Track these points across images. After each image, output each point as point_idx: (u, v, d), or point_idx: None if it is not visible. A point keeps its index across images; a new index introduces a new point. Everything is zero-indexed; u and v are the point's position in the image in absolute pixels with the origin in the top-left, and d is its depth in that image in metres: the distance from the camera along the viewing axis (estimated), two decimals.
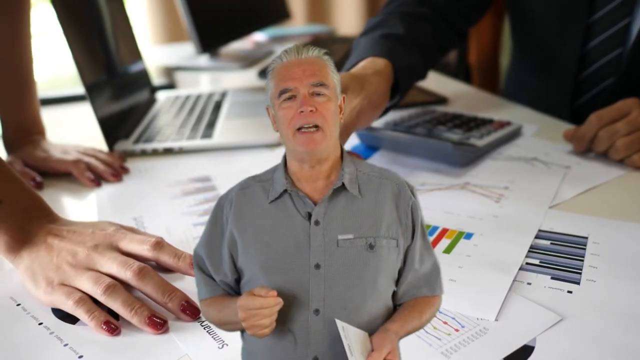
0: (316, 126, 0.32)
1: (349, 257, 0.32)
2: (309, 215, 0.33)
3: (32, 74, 0.89)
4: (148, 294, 0.52)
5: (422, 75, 0.93)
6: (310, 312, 0.32)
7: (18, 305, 0.53)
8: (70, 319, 0.51)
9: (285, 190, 0.33)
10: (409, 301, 0.35)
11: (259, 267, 0.33)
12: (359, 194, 0.33)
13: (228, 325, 0.34)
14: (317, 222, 0.33)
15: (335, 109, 0.33)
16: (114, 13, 1.10)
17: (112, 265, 0.53)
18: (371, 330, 0.33)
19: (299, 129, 0.32)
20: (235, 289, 0.35)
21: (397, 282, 0.35)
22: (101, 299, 0.50)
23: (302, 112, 0.32)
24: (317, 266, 0.32)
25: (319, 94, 0.32)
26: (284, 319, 0.32)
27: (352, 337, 0.31)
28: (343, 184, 0.33)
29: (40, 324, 0.50)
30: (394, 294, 0.35)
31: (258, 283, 0.32)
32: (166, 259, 0.55)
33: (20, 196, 0.59)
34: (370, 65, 0.78)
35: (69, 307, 0.51)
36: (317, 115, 0.32)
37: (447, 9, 1.00)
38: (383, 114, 0.82)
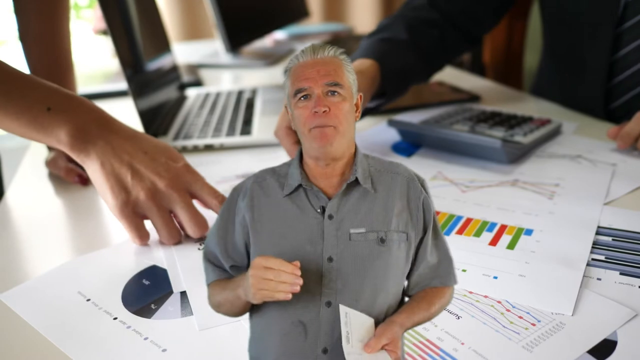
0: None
1: (361, 250, 0.33)
2: (323, 210, 0.33)
3: (72, 63, 0.89)
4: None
5: (422, 79, 0.98)
6: (322, 304, 0.32)
7: (88, 300, 0.53)
8: (145, 313, 0.51)
9: (300, 185, 0.34)
10: (418, 293, 0.35)
11: None
12: (372, 189, 0.34)
13: (227, 305, 0.34)
14: (330, 216, 0.33)
15: (350, 108, 0.34)
16: (144, 8, 1.10)
17: (185, 215, 0.57)
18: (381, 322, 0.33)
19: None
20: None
21: (409, 274, 0.35)
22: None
23: (316, 112, 0.32)
24: (330, 259, 0.33)
25: (333, 93, 0.33)
26: (295, 311, 0.32)
27: (354, 323, 0.31)
28: (357, 179, 0.34)
29: (115, 318, 0.50)
30: (406, 285, 0.35)
31: None
32: None
33: (67, 101, 0.60)
34: (356, 65, 0.82)
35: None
36: (330, 116, 0.32)
37: (459, 15, 1.01)
38: (368, 113, 0.89)
